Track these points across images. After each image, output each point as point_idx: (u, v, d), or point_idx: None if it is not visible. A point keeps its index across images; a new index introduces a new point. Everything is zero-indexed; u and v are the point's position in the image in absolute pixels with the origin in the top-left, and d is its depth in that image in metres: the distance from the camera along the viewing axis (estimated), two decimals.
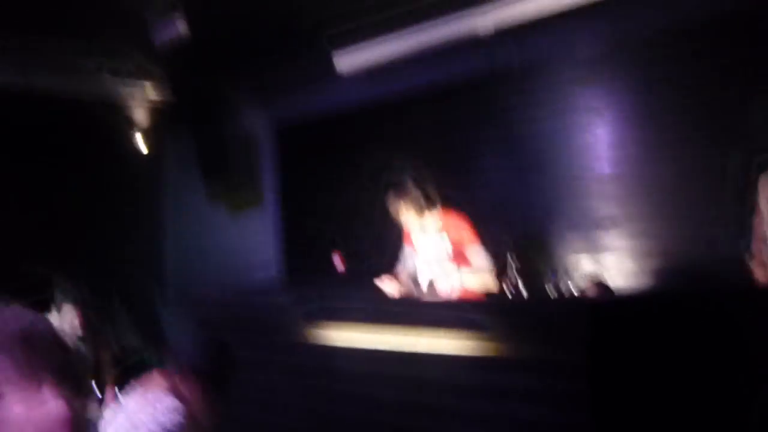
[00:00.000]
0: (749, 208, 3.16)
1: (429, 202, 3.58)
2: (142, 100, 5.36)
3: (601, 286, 3.42)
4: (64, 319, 3.08)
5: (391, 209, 3.64)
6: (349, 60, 4.90)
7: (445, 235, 3.63)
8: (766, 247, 3.08)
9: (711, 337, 2.45)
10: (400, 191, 3.58)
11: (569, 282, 3.41)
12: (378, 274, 3.83)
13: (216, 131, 6.01)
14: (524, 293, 3.22)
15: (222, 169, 5.94)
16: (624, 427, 2.44)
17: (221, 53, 4.89)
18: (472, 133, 4.84)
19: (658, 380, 2.46)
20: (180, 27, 4.12)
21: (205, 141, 6.09)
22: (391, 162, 4.92)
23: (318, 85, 5.40)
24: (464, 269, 3.55)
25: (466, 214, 3.69)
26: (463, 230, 3.63)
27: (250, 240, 6.01)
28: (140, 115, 5.51)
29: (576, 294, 3.34)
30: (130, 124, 5.50)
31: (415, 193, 3.55)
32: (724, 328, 2.44)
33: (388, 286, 3.65)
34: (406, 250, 3.85)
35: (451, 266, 3.58)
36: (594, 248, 4.21)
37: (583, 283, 3.64)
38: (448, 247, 3.61)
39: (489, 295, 3.48)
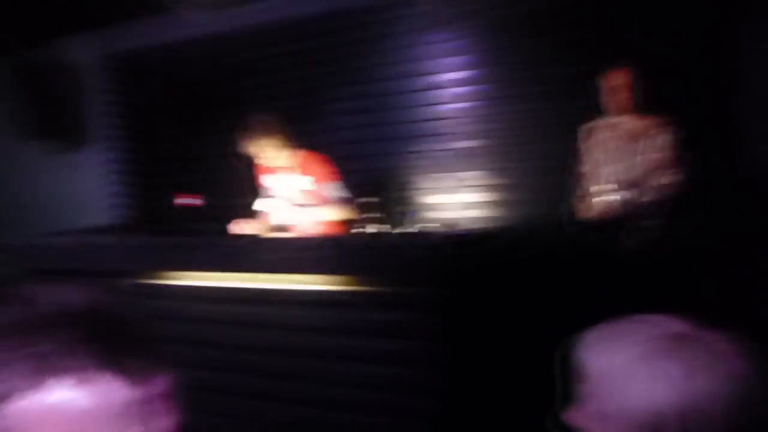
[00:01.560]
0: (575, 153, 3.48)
1: (285, 139, 3.52)
2: None
3: (449, 225, 3.55)
4: None
5: (245, 148, 3.53)
6: None
7: (301, 174, 3.59)
8: (586, 186, 3.42)
9: (546, 272, 2.64)
10: (256, 130, 3.48)
11: (417, 219, 3.51)
12: (231, 216, 3.72)
13: (34, 60, 5.36)
14: (373, 230, 3.26)
15: (43, 104, 5.34)
16: (472, 357, 2.58)
17: None
18: (320, 69, 4.74)
19: (507, 319, 2.61)
20: None
21: (23, 70, 5.42)
22: (244, 101, 4.75)
23: (155, 13, 4.98)
24: (323, 207, 3.55)
25: (322, 154, 3.65)
26: (320, 168, 3.60)
27: (83, 182, 5.53)
28: None
29: (423, 231, 3.45)
30: None
31: (272, 128, 3.49)
32: (558, 262, 2.64)
33: (244, 228, 3.57)
34: (260, 191, 3.77)
35: (306, 203, 3.57)
36: (447, 186, 4.37)
37: (432, 222, 3.76)
38: (304, 185, 3.58)
39: (343, 231, 3.50)
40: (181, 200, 3.94)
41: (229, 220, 3.63)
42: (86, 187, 5.55)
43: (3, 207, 5.44)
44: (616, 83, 3.35)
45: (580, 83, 3.49)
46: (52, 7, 4.76)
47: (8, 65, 5.35)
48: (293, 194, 3.62)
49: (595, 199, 3.35)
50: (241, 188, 3.86)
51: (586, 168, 3.53)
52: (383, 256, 2.64)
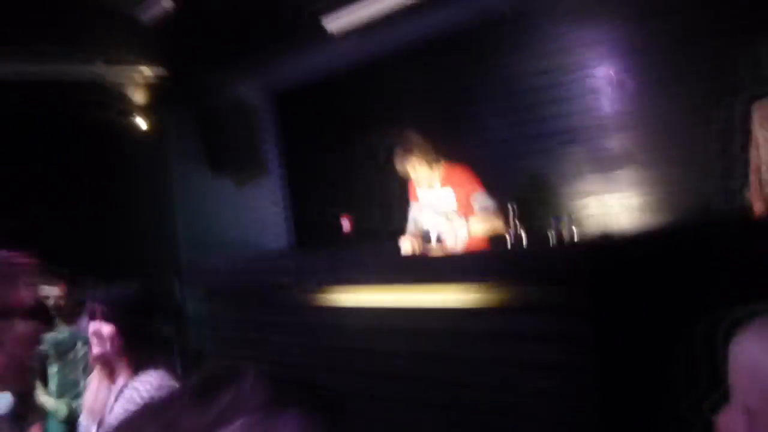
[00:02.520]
0: (745, 140, 3.16)
1: (435, 155, 3.62)
2: (137, 82, 5.37)
3: (603, 233, 3.43)
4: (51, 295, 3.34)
5: (399, 166, 3.68)
6: (340, 20, 4.86)
7: (449, 188, 3.68)
8: (761, 174, 3.09)
9: (712, 275, 2.47)
10: (408, 146, 3.61)
11: (572, 228, 3.43)
12: (387, 235, 3.89)
13: (214, 104, 6.03)
14: (525, 240, 3.25)
15: (223, 141, 5.97)
16: (628, 370, 2.49)
17: (211, 26, 4.86)
18: (468, 85, 4.82)
19: (661, 321, 2.49)
20: (165, 3, 4.10)
21: (204, 114, 6.11)
22: (393, 121, 4.96)
23: (311, 49, 5.37)
24: (470, 218, 3.60)
25: (468, 167, 3.72)
26: (467, 181, 3.67)
27: (258, 212, 6.08)
28: (137, 96, 5.53)
29: (577, 240, 3.36)
30: (128, 107, 5.54)
31: (423, 147, 3.59)
32: (724, 263, 2.46)
33: (406, 244, 3.73)
34: (414, 207, 3.90)
35: (458, 217, 3.64)
36: (598, 191, 4.21)
37: (586, 230, 3.66)
38: (454, 200, 3.66)
39: (494, 242, 3.52)
40: (343, 222, 4.18)
41: (388, 238, 3.79)
42: (264, 212, 6.10)
43: (197, 231, 6.12)
44: None
45: (740, 55, 3.21)
46: (222, 56, 5.34)
47: (194, 112, 6.05)
48: (444, 208, 3.71)
49: None
50: (397, 205, 4.02)
51: (760, 154, 3.17)
52: (537, 264, 2.64)
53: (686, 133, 3.87)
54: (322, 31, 4.85)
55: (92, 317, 2.11)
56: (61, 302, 3.76)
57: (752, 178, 3.17)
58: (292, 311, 3.43)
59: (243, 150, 6.01)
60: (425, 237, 3.80)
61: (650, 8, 3.94)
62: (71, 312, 3.73)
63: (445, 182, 3.70)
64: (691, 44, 3.78)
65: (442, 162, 3.68)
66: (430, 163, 3.62)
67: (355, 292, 3.25)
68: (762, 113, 3.15)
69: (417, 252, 3.68)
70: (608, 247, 2.62)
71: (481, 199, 3.60)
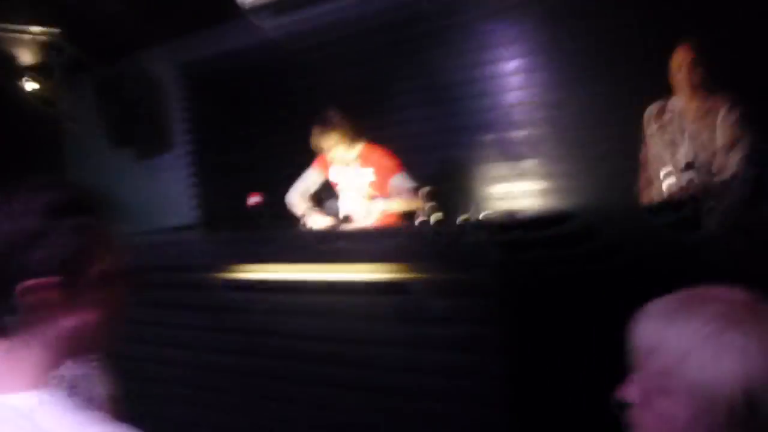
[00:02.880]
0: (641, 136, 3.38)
1: (354, 134, 3.61)
2: (30, 43, 5.00)
3: (510, 213, 3.55)
4: None
5: (316, 142, 3.64)
6: None
7: (368, 168, 3.68)
8: (650, 169, 3.31)
9: (605, 256, 2.59)
10: (328, 124, 3.58)
11: (481, 211, 3.53)
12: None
13: (118, 74, 5.71)
14: (435, 220, 3.30)
15: (127, 114, 5.68)
16: (535, 350, 2.57)
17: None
18: (388, 70, 4.83)
19: (565, 304, 2.59)
20: None
21: (106, 84, 5.78)
22: (310, 100, 4.89)
23: (224, 24, 5.20)
24: (387, 198, 3.62)
25: (386, 146, 3.73)
26: (388, 162, 3.67)
27: (163, 185, 5.83)
28: (30, 59, 5.15)
29: (485, 219, 3.46)
30: (19, 69, 5.15)
31: (342, 125, 3.58)
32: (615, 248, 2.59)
33: (317, 220, 3.70)
34: (309, 174, 3.87)
35: (372, 196, 3.64)
36: (507, 173, 4.35)
37: (493, 211, 3.77)
38: (370, 178, 3.66)
39: (405, 222, 3.56)
40: (253, 199, 4.09)
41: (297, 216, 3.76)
42: (167, 190, 5.85)
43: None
44: (680, 61, 3.23)
45: (644, 63, 3.41)
46: (129, 22, 5.06)
47: (93, 79, 5.71)
48: (360, 187, 3.71)
49: (665, 182, 3.25)
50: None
51: (653, 151, 3.42)
52: (446, 244, 2.67)
53: (595, 131, 4.05)
54: (237, 5, 4.71)
55: None
56: None
57: (641, 173, 3.41)
58: (197, 291, 3.31)
59: (146, 123, 5.74)
60: (329, 211, 3.80)
61: (570, 10, 4.09)
62: None
63: (364, 161, 3.69)
64: (610, 47, 3.95)
65: (362, 141, 3.67)
66: (349, 141, 3.59)
67: (263, 271, 3.20)
68: (651, 112, 3.39)
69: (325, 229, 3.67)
70: (512, 225, 2.70)
71: (400, 180, 3.62)
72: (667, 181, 3.22)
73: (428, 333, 2.65)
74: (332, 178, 3.87)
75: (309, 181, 3.89)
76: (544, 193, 4.29)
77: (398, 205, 3.61)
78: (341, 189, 3.82)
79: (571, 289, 2.59)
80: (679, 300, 0.98)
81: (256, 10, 4.80)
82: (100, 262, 0.97)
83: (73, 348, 0.96)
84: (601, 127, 4.01)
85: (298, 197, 3.83)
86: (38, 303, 0.91)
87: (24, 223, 0.93)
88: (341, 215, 3.78)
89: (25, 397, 0.88)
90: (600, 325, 2.33)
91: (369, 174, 3.68)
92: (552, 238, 2.69)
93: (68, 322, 0.94)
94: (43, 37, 5.04)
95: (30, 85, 5.30)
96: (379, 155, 3.69)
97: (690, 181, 3.16)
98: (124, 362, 1.96)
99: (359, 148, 3.67)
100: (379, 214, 3.63)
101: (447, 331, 2.60)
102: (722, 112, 3.20)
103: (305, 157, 3.93)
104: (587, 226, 2.68)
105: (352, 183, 3.74)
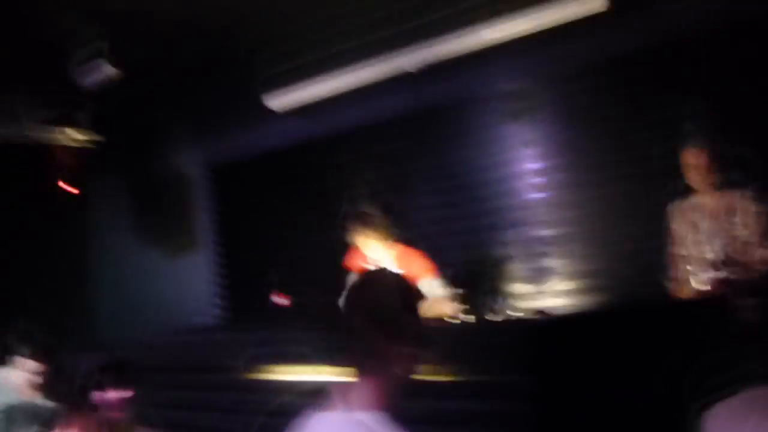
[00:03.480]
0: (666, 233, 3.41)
1: (384, 234, 3.58)
2: (70, 145, 5.20)
3: (541, 312, 3.52)
4: (18, 373, 3.11)
5: (353, 238, 3.61)
6: (282, 99, 4.95)
7: (398, 267, 3.64)
8: (680, 266, 3.31)
9: (647, 352, 2.56)
10: (367, 220, 3.55)
11: (511, 307, 3.50)
12: (324, 312, 3.81)
13: (148, 173, 5.89)
14: (470, 320, 3.28)
15: (156, 212, 5.82)
16: None
17: (153, 94, 4.84)
18: (407, 169, 4.94)
19: (603, 398, 2.54)
20: (107, 70, 4.06)
21: (137, 183, 5.96)
22: (332, 197, 4.98)
23: (252, 125, 5.41)
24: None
25: (418, 248, 3.72)
26: (418, 262, 3.64)
27: (188, 283, 5.87)
28: (69, 160, 5.34)
29: (518, 318, 3.43)
30: (59, 170, 5.33)
31: (382, 223, 3.55)
32: (657, 341, 2.56)
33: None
34: (352, 277, 3.85)
35: None
36: (533, 272, 4.35)
37: (524, 309, 3.74)
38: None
39: (441, 324, 3.51)
40: (277, 299, 4.08)
41: (324, 314, 3.72)
42: (195, 287, 5.88)
43: (124, 305, 5.82)
44: (693, 162, 3.30)
45: (662, 162, 3.48)
46: (162, 123, 5.28)
47: (126, 180, 5.89)
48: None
49: (693, 279, 3.24)
50: (334, 283, 3.98)
51: (678, 248, 3.43)
52: (476, 344, 2.66)
53: (618, 230, 4.10)
54: (264, 108, 4.92)
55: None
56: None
57: (672, 270, 3.40)
58: (225, 389, 3.28)
59: (175, 222, 5.86)
60: None
61: (589, 110, 4.23)
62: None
63: (399, 262, 3.65)
64: (629, 146, 4.06)
65: (395, 240, 3.65)
66: (378, 240, 3.59)
67: (291, 371, 3.16)
68: (675, 211, 3.43)
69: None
70: (548, 325, 2.68)
71: (432, 284, 3.56)
72: (696, 278, 3.21)
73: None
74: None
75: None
76: (565, 293, 4.27)
77: (434, 310, 3.56)
78: None
79: (607, 391, 2.54)
80: (747, 400, 1.00)
81: (285, 113, 5.00)
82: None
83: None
84: (624, 226, 4.04)
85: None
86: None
87: None
88: None
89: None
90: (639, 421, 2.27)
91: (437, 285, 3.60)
92: (579, 336, 2.67)
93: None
94: (83, 139, 5.23)
95: (69, 187, 5.45)
96: (414, 257, 3.65)
97: (717, 278, 3.15)
98: None
99: (395, 248, 3.65)
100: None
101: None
102: (742, 208, 3.24)
103: (332, 255, 3.94)
104: (613, 321, 2.67)
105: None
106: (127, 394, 2.11)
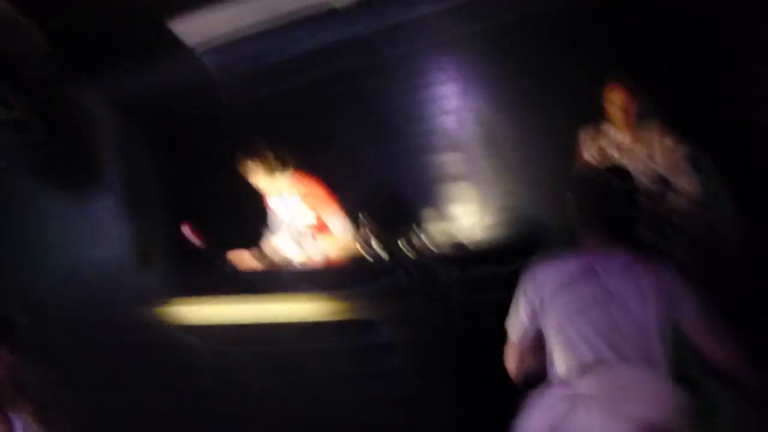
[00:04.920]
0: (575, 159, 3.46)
1: (280, 163, 3.58)
2: None
3: (457, 244, 3.55)
4: None
5: (243, 171, 3.62)
6: (192, 28, 4.70)
7: (300, 199, 3.62)
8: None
9: None
10: (250, 152, 3.58)
11: (424, 240, 3.51)
12: (240, 246, 3.76)
13: (53, 111, 5.53)
14: (381, 254, 3.26)
15: (56, 151, 5.50)
16: (481, 381, 2.54)
17: (49, 23, 4.49)
18: (325, 99, 4.81)
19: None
20: None
21: (40, 122, 5.59)
22: (245, 132, 4.83)
23: (161, 59, 5.13)
24: (323, 235, 3.57)
25: (320, 178, 3.69)
26: (319, 194, 3.64)
27: (92, 223, 5.62)
28: None
29: (431, 251, 3.44)
30: None
31: (265, 153, 3.56)
32: None
33: (243, 258, 3.61)
34: (270, 216, 3.82)
35: (309, 232, 3.59)
36: (445, 204, 4.37)
37: (440, 242, 3.76)
38: (307, 214, 3.61)
39: (348, 259, 3.50)
40: (187, 231, 3.95)
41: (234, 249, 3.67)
42: (98, 226, 5.64)
43: (11, 249, 5.55)
44: (614, 97, 3.34)
45: (581, 91, 3.50)
46: (60, 53, 4.93)
47: (18, 113, 5.51)
48: (295, 220, 3.65)
49: None
50: (247, 216, 3.90)
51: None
52: (385, 277, 2.65)
53: (528, 155, 4.14)
54: (175, 41, 4.68)
55: None
56: None
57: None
58: (134, 331, 3.17)
59: (79, 161, 5.56)
60: (276, 250, 3.73)
61: (510, 46, 4.18)
62: None
63: (293, 190, 3.65)
64: (542, 78, 4.06)
65: (291, 170, 3.63)
66: (273, 168, 3.55)
67: (202, 308, 3.09)
68: (586, 137, 3.50)
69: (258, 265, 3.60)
70: (464, 258, 2.69)
71: (335, 219, 3.60)
72: None
73: (379, 365, 2.59)
74: (272, 211, 3.80)
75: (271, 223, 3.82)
76: (478, 220, 4.32)
77: (336, 245, 3.56)
78: (281, 224, 3.75)
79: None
80: None
81: (198, 47, 4.77)
82: None
83: None
84: (536, 151, 4.09)
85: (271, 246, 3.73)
86: None
87: None
88: (281, 250, 3.70)
89: None
90: None
91: (299, 203, 3.63)
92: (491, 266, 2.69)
93: None
94: None
95: None
96: (311, 186, 3.65)
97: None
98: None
99: (286, 176, 3.61)
100: (315, 250, 3.58)
101: (397, 362, 2.55)
102: (659, 144, 3.31)
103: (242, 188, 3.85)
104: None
105: (288, 214, 3.68)
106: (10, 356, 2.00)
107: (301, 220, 3.63)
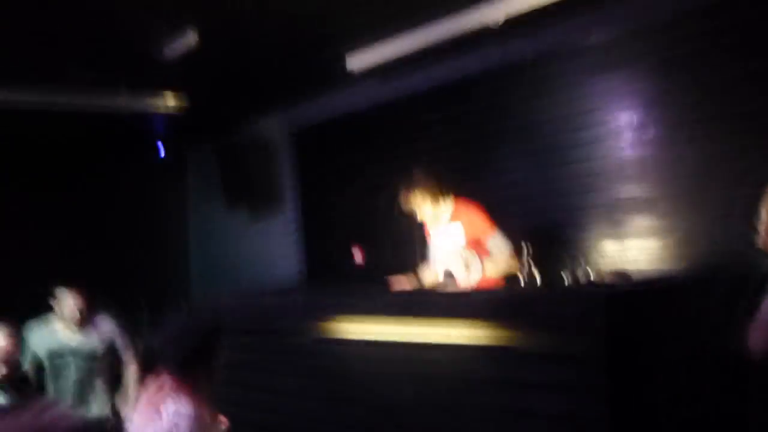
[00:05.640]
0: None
1: (441, 192, 3.61)
2: (160, 113, 5.46)
3: (620, 274, 3.35)
4: (63, 306, 3.57)
5: (404, 201, 3.69)
6: (361, 60, 4.93)
7: (458, 224, 3.64)
8: None
9: (727, 323, 2.37)
10: (412, 182, 3.62)
11: (587, 269, 3.35)
12: (399, 271, 3.86)
13: (232, 140, 6.10)
14: (539, 281, 3.18)
15: (240, 177, 6.03)
16: (642, 419, 2.38)
17: (234, 62, 4.96)
18: (488, 125, 4.81)
19: (676, 367, 2.39)
20: (191, 39, 4.20)
21: (224, 150, 6.19)
22: (408, 160, 4.96)
23: (331, 88, 5.44)
24: (482, 258, 3.56)
25: (481, 203, 3.69)
26: (478, 219, 3.64)
27: (272, 244, 6.08)
28: (159, 127, 5.61)
29: (593, 281, 3.28)
30: (149, 137, 5.62)
31: (427, 182, 3.59)
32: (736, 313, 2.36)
33: (401, 283, 3.69)
34: (427, 245, 3.88)
35: (469, 255, 3.59)
36: (616, 234, 4.13)
37: (603, 271, 3.57)
38: (462, 236, 3.62)
39: (507, 284, 3.45)
40: (357, 253, 4.14)
41: (395, 274, 3.77)
42: (278, 247, 6.09)
43: (210, 267, 6.14)
44: None
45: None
46: (245, 93, 5.42)
47: (212, 147, 6.14)
48: (455, 247, 3.67)
49: None
50: (407, 243, 3.99)
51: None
52: (547, 307, 2.57)
53: (707, 183, 3.80)
54: (343, 70, 4.93)
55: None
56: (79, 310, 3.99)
57: (761, 230, 3.04)
58: (299, 347, 3.38)
59: (260, 186, 6.06)
60: (435, 274, 3.77)
61: (674, 57, 3.92)
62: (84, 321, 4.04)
63: (454, 218, 3.67)
64: (717, 95, 3.74)
65: (451, 198, 3.66)
66: (435, 199, 3.58)
67: (364, 327, 3.20)
68: None
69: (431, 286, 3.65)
70: (625, 291, 2.54)
71: (494, 242, 3.55)
72: None
73: (531, 401, 2.52)
74: (430, 239, 3.86)
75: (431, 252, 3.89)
76: (653, 253, 4.01)
77: (498, 267, 3.52)
78: (436, 246, 3.79)
79: (682, 360, 2.38)
80: None
81: (364, 74, 4.99)
82: None
83: None
84: (719, 188, 3.73)
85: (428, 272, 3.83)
86: None
87: None
88: (439, 274, 3.73)
89: None
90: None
91: (460, 230, 3.63)
92: (665, 303, 2.51)
93: None
94: (172, 107, 5.48)
95: (161, 153, 5.75)
96: (469, 210, 3.64)
97: None
98: None
99: (449, 205, 3.63)
100: (479, 274, 3.56)
101: (551, 400, 2.46)
102: None
103: (402, 215, 3.94)
104: (699, 292, 2.48)
105: (446, 240, 3.71)
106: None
107: (457, 242, 3.65)
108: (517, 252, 3.43)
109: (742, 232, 3.20)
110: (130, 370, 3.82)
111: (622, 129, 4.20)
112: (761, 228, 3.00)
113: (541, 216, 4.42)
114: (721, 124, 3.75)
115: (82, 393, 4.07)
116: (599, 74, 4.25)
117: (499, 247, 3.53)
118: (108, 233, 5.51)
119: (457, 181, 3.86)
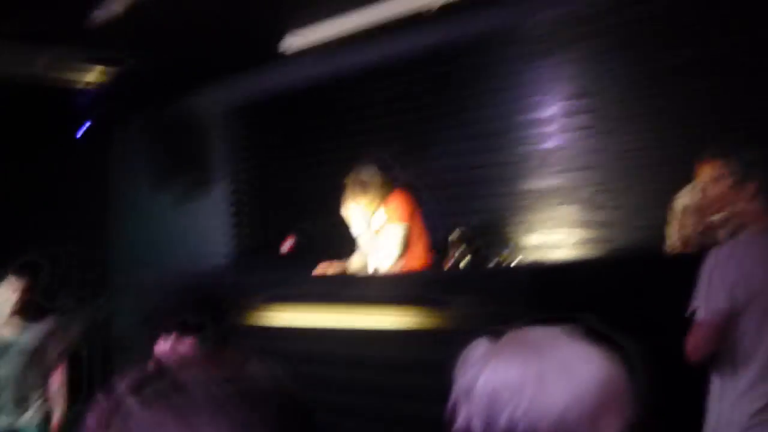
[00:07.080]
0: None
1: (380, 192, 3.59)
2: (85, 85, 5.22)
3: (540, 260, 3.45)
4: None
5: (345, 187, 3.65)
6: (298, 38, 4.85)
7: (387, 213, 3.63)
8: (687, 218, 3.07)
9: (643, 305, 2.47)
10: (361, 189, 3.59)
11: (515, 255, 3.42)
12: (331, 256, 3.83)
13: (165, 116, 5.90)
14: (466, 267, 3.22)
15: (169, 156, 5.85)
16: None
17: (166, 32, 4.78)
18: (424, 109, 4.81)
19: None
20: (116, 5, 4.01)
21: (154, 126, 5.98)
22: (347, 141, 4.92)
23: (268, 64, 5.32)
24: (408, 245, 3.55)
25: (408, 190, 3.67)
26: (406, 207, 3.62)
27: (202, 226, 5.93)
28: (84, 100, 5.37)
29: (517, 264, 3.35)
30: (71, 110, 5.38)
31: (376, 186, 3.57)
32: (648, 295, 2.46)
33: (325, 268, 3.66)
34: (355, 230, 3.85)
35: (394, 242, 3.58)
36: (540, 221, 4.22)
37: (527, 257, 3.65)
38: (388, 224, 3.60)
39: (427, 270, 3.47)
40: (286, 245, 4.06)
41: (332, 257, 3.74)
42: (208, 230, 5.94)
43: (140, 248, 5.95)
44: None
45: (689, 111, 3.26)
46: (177, 66, 5.24)
47: (142, 122, 5.93)
48: (380, 234, 3.65)
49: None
50: (341, 226, 3.96)
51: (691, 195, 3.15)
52: (475, 289, 2.61)
53: (631, 175, 3.91)
54: (280, 48, 4.84)
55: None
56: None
57: (674, 215, 3.15)
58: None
59: (190, 165, 5.89)
60: (360, 262, 3.76)
61: (607, 50, 4.00)
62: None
63: (385, 207, 3.64)
64: (644, 87, 3.84)
65: (389, 187, 3.63)
66: (380, 198, 3.57)
67: (292, 312, 3.17)
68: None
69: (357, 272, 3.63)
70: (543, 272, 2.60)
71: (395, 230, 3.56)
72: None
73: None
74: (355, 224, 3.81)
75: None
76: (576, 242, 4.11)
77: (416, 253, 3.53)
78: (363, 234, 3.75)
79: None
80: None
81: (299, 54, 4.91)
82: None
83: None
84: (642, 176, 3.84)
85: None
86: None
87: None
88: (362, 261, 3.71)
89: None
90: None
91: (386, 219, 3.60)
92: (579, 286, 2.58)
93: None
94: (96, 80, 5.25)
95: (83, 127, 5.51)
96: (401, 201, 3.63)
97: None
98: None
99: (382, 193, 3.63)
100: (399, 261, 3.55)
101: None
102: None
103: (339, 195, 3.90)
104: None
105: (373, 228, 3.68)
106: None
107: (385, 228, 3.64)
108: (445, 239, 3.44)
109: (660, 224, 3.35)
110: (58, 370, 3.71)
111: (553, 117, 4.27)
112: (671, 230, 3.12)
113: (475, 200, 4.45)
114: (645, 116, 3.86)
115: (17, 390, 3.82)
116: (532, 61, 4.30)
117: (396, 235, 3.51)
118: (23, 214, 5.23)
119: (394, 165, 3.82)
